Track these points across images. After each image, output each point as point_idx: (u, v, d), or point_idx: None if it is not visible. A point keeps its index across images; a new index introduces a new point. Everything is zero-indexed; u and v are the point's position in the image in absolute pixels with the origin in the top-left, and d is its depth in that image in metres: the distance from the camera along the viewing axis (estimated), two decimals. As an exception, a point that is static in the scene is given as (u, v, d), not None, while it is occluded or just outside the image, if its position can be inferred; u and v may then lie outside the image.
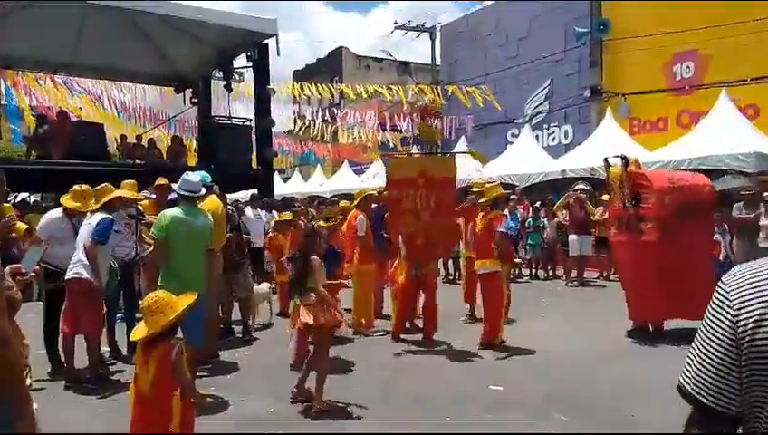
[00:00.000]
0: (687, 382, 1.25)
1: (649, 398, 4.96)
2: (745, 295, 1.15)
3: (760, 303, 1.12)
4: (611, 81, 19.01)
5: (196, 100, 15.43)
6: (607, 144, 14.80)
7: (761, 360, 1.12)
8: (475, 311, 8.15)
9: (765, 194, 10.53)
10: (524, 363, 6.18)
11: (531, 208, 13.55)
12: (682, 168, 12.16)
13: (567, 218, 12.39)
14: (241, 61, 13.97)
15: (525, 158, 16.80)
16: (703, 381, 1.21)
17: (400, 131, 24.10)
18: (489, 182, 8.69)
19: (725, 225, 9.33)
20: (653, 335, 7.12)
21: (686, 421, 1.30)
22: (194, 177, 5.24)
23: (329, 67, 36.15)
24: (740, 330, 1.14)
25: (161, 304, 3.20)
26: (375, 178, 22.71)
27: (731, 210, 9.08)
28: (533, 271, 13.24)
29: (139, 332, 3.22)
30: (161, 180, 7.01)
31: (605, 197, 10.48)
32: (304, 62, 39.04)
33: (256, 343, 7.14)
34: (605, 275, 12.45)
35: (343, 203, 9.76)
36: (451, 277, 12.20)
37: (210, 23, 11.85)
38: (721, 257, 9.10)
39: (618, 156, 7.48)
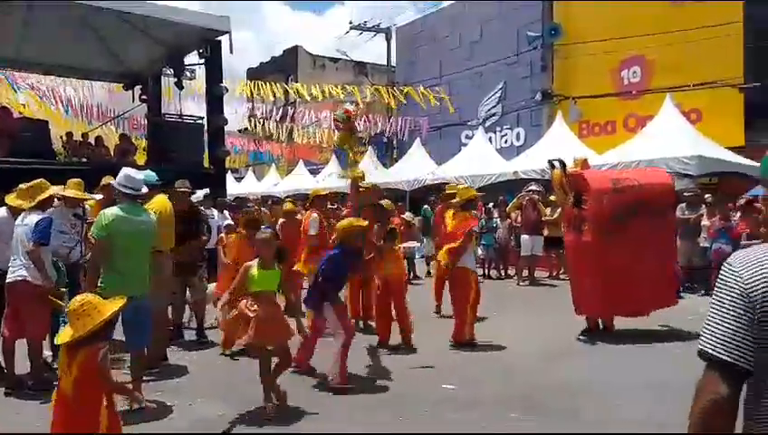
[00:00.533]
0: (709, 346, 1.51)
1: (600, 396, 5.10)
2: (755, 272, 1.49)
3: (764, 279, 1.47)
4: (562, 84, 19.46)
5: (145, 97, 15.05)
6: (557, 146, 15.13)
7: None
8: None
9: (707, 196, 10.99)
10: (478, 362, 6.25)
11: (484, 209, 13.73)
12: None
13: (519, 220, 12.61)
14: (193, 58, 13.69)
15: (479, 159, 17.03)
16: (723, 342, 1.48)
17: (357, 132, 24.09)
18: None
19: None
20: (603, 334, 7.30)
21: (698, 385, 1.51)
22: (135, 173, 5.08)
23: (283, 66, 35.79)
24: (752, 299, 1.46)
25: (88, 308, 3.11)
26: (330, 177, 22.65)
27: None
28: (486, 271, 13.41)
29: (64, 335, 3.13)
30: (108, 180, 6.78)
31: (553, 197, 10.71)
32: (259, 60, 38.75)
33: (207, 345, 7.01)
34: (555, 274, 12.72)
35: (288, 205, 9.74)
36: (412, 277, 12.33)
37: (160, 19, 11.56)
38: None
39: (555, 160, 7.65)
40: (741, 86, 14.80)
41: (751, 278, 1.49)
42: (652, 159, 12.44)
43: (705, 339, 1.53)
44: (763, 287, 1.47)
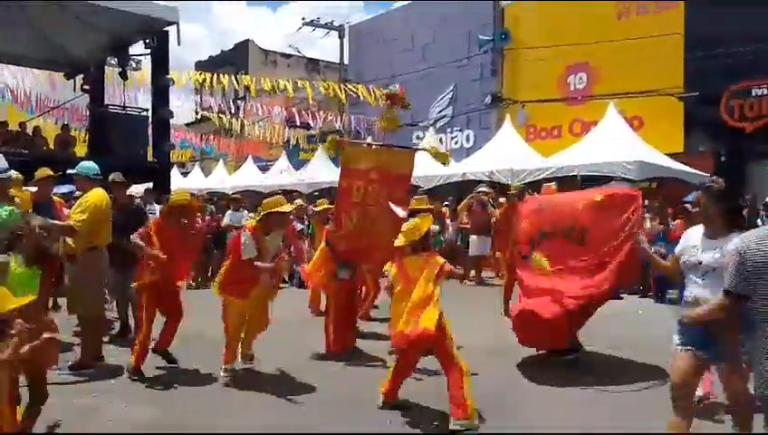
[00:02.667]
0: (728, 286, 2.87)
1: (534, 395, 5.19)
2: (748, 241, 2.79)
3: (758, 248, 2.73)
4: (511, 89, 19.80)
5: (87, 87, 14.54)
6: (505, 149, 15.44)
7: (756, 270, 2.70)
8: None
9: (646, 201, 11.35)
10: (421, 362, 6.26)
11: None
12: (572, 174, 12.87)
13: (466, 221, 12.74)
14: (138, 48, 13.30)
15: (429, 160, 17.11)
16: (732, 282, 2.84)
17: (308, 128, 23.86)
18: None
19: None
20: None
21: (715, 308, 3.07)
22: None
23: (234, 60, 35.17)
24: (743, 254, 2.76)
25: None
26: (282, 174, 22.41)
27: None
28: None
29: None
30: (44, 172, 6.49)
31: (502, 199, 10.87)
32: (209, 53, 37.88)
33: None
34: (501, 274, 12.89)
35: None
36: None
37: (104, 7, 11.18)
38: None
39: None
40: (680, 95, 15.37)
41: (745, 244, 2.84)
42: (596, 163, 12.80)
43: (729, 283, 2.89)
44: (754, 248, 2.78)
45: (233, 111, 24.10)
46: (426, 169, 16.44)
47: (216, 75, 19.17)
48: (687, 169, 13.60)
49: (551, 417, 4.71)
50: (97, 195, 5.53)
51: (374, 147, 6.83)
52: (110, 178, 6.74)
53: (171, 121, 13.99)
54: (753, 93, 14.18)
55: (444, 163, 7.69)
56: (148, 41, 12.47)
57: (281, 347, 6.32)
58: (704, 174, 13.78)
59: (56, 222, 5.44)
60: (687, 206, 9.56)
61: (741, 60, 13.63)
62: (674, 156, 14.09)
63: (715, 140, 14.94)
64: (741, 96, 14.37)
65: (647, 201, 11.40)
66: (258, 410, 4.75)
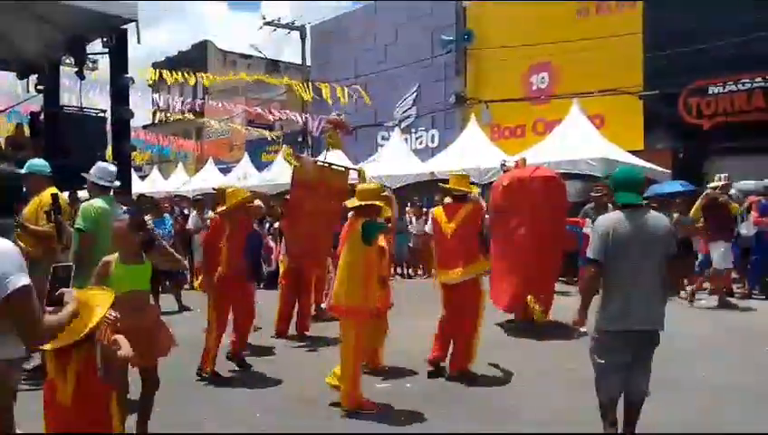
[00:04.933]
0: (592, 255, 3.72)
1: (511, 388, 5.18)
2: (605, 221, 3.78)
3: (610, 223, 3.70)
4: (475, 88, 19.94)
5: (41, 87, 13.98)
6: (471, 148, 15.51)
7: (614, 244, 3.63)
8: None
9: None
10: (398, 360, 6.19)
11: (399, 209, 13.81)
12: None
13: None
14: (96, 46, 12.84)
15: (396, 160, 17.12)
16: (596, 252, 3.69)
17: (271, 129, 23.56)
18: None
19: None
20: (521, 328, 7.47)
21: (588, 280, 3.82)
22: (110, 165, 4.99)
23: (191, 61, 34.52)
24: (605, 232, 3.66)
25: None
26: (246, 178, 22.02)
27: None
28: (403, 270, 13.50)
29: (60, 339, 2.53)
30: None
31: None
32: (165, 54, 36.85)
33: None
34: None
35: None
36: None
37: (59, 2, 10.74)
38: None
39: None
40: (640, 93, 15.71)
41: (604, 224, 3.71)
42: (560, 161, 12.93)
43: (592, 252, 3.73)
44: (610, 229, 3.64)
45: (191, 110, 23.59)
46: (393, 168, 16.47)
47: (175, 73, 18.66)
48: (648, 165, 13.89)
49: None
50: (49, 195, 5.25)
51: (319, 163, 7.63)
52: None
53: (130, 122, 13.58)
54: (710, 91, 14.59)
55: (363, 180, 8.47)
56: (105, 39, 12.03)
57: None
58: (663, 170, 14.14)
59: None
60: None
61: (698, 59, 14.01)
62: (635, 153, 14.37)
63: (673, 137, 15.32)
64: (698, 94, 14.78)
65: (612, 198, 11.61)
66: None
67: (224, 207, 5.80)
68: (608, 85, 15.97)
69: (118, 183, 5.02)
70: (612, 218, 3.70)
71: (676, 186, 12.09)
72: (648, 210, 3.74)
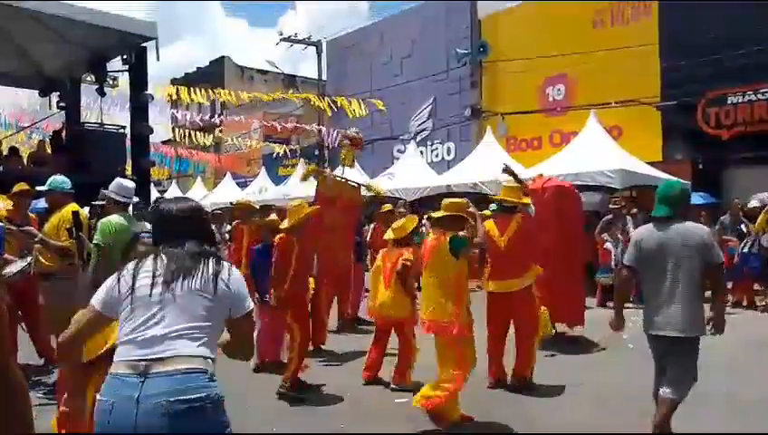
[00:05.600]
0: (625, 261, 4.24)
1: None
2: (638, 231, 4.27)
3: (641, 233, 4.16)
4: (490, 101, 19.91)
5: (63, 104, 14.23)
6: (487, 161, 15.47)
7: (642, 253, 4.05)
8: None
9: (633, 210, 11.50)
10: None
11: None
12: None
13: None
14: (116, 64, 13.06)
15: (411, 173, 17.14)
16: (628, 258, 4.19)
17: (288, 143, 23.70)
18: None
19: (618, 235, 10.16)
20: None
21: (620, 283, 4.56)
22: (128, 182, 5.10)
23: (209, 77, 34.96)
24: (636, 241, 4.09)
25: None
26: (262, 193, 22.16)
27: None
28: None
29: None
30: (21, 186, 6.28)
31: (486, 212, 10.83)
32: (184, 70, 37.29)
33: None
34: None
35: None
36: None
37: (80, 22, 10.93)
38: (612, 265, 9.96)
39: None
40: (658, 104, 15.58)
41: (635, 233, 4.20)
42: (578, 173, 12.83)
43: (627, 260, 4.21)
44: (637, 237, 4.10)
45: (210, 126, 23.84)
46: (410, 181, 16.49)
47: (192, 90, 18.83)
48: (667, 176, 13.73)
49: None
50: (71, 210, 5.33)
51: (338, 178, 7.85)
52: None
53: (149, 138, 13.75)
54: (729, 101, 14.42)
55: (378, 194, 8.62)
56: (125, 57, 12.24)
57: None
58: (683, 181, 13.96)
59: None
60: None
61: (716, 68, 13.87)
62: (653, 164, 14.23)
63: (692, 148, 15.15)
64: (717, 104, 14.60)
65: (630, 209, 11.51)
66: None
67: (290, 224, 5.78)
68: (625, 96, 15.86)
69: (136, 199, 5.08)
70: (643, 229, 4.16)
71: (697, 198, 11.97)
72: (683, 221, 3.95)
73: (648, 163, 14.09)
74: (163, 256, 2.40)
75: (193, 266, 2.36)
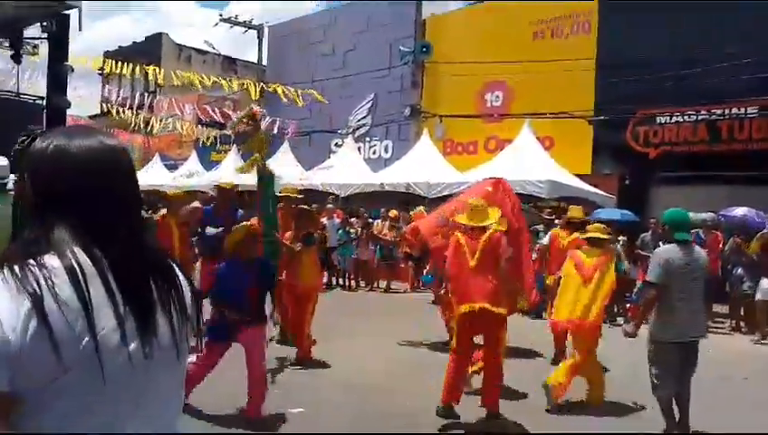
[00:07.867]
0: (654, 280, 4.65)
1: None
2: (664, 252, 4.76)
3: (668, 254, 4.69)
4: (430, 101, 19.89)
5: (-26, 70, 13.23)
6: (423, 162, 15.44)
7: (672, 273, 4.63)
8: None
9: (557, 220, 11.61)
10: (329, 380, 5.96)
11: (345, 219, 13.60)
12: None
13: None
14: (35, 31, 12.21)
15: (347, 168, 16.92)
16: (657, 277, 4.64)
17: (222, 127, 22.91)
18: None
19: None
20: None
21: (648, 300, 4.76)
22: (1, 158, 4.34)
23: (145, 53, 33.47)
24: (666, 260, 4.63)
25: None
26: (193, 177, 21.40)
27: None
28: (346, 282, 13.27)
29: None
30: None
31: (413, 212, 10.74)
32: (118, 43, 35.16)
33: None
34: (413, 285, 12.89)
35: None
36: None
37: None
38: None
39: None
40: (590, 118, 15.94)
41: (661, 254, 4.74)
42: (510, 181, 12.92)
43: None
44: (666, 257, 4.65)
45: (141, 105, 22.79)
46: (344, 177, 16.25)
47: (123, 64, 17.79)
48: (594, 189, 14.08)
49: None
50: None
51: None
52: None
53: (74, 113, 12.98)
54: (658, 121, 14.89)
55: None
56: (45, 24, 11.44)
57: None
58: (608, 195, 14.35)
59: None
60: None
61: (648, 88, 14.26)
62: (581, 176, 14.54)
63: (620, 163, 15.57)
64: (646, 123, 15.06)
65: (557, 220, 11.66)
66: None
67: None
68: (560, 108, 16.12)
69: (12, 177, 4.49)
70: (669, 250, 4.70)
71: (616, 214, 12.29)
72: (694, 245, 4.81)
73: (577, 175, 14.38)
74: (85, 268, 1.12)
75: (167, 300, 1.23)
